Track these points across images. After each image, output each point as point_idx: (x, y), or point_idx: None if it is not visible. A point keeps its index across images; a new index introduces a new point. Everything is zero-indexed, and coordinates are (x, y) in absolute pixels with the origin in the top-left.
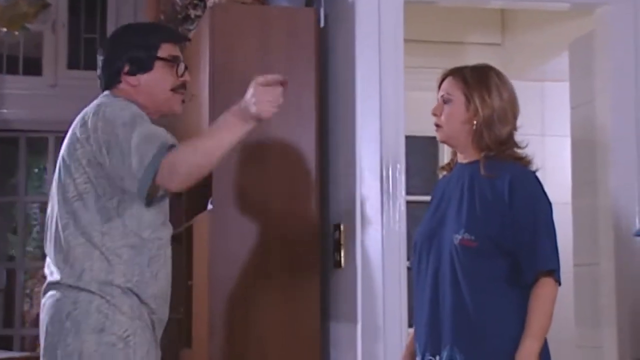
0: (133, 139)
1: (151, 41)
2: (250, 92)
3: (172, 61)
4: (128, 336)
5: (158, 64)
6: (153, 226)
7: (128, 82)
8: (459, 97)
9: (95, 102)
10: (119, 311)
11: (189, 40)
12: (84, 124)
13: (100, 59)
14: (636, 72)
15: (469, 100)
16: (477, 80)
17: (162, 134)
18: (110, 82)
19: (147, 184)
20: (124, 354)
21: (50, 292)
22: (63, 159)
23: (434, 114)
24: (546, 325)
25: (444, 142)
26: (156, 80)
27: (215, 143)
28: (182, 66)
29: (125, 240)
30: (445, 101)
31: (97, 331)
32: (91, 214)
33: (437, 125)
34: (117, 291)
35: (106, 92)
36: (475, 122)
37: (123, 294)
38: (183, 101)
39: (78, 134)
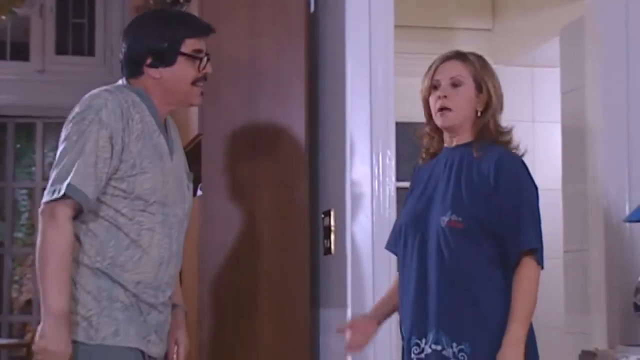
0: (73, 148)
1: (175, 35)
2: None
3: (195, 56)
4: (91, 316)
5: (180, 59)
6: (131, 212)
7: (150, 75)
8: (470, 82)
9: (104, 87)
10: (85, 290)
11: (214, 31)
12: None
13: (122, 46)
14: (627, 57)
15: (480, 86)
16: (485, 68)
17: (91, 171)
18: (131, 71)
19: (52, 197)
20: (85, 332)
21: None
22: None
23: (444, 96)
24: (531, 309)
25: (450, 126)
26: (177, 75)
27: (50, 275)
28: (204, 60)
29: (99, 223)
30: (456, 84)
31: None
32: None
33: (445, 108)
34: (86, 271)
35: (123, 81)
36: (481, 108)
37: (91, 274)
38: (202, 93)
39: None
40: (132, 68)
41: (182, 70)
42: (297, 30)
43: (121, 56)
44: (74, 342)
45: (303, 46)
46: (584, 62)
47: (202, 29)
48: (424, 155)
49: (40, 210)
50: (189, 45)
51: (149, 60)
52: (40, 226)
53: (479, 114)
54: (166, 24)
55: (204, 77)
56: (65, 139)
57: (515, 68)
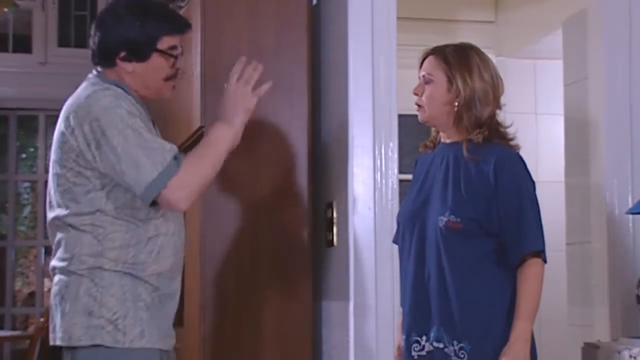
0: (131, 148)
1: (153, 32)
2: (228, 97)
3: (170, 53)
4: (117, 319)
5: (155, 55)
6: (148, 209)
7: (123, 68)
8: (440, 78)
9: (81, 91)
10: (108, 293)
11: (190, 27)
12: (67, 117)
13: (95, 34)
14: (630, 49)
15: (450, 81)
16: (459, 61)
17: (160, 146)
18: (103, 62)
19: (150, 199)
20: (112, 337)
21: (54, 277)
22: (55, 148)
23: (415, 94)
24: (536, 305)
25: (425, 122)
26: (150, 71)
27: (217, 154)
28: (179, 57)
29: (117, 226)
30: (427, 81)
31: (85, 314)
32: (82, 205)
33: (418, 105)
34: (107, 273)
35: (96, 74)
36: (456, 103)
37: (113, 275)
38: (174, 87)
39: (63, 127)
40: (105, 59)
41: (154, 67)
42: (299, 22)
43: (93, 44)
44: (100, 347)
45: (305, 38)
46: (587, 54)
47: (180, 27)
48: (427, 142)
49: (166, 201)
50: (165, 42)
51: (122, 54)
52: (181, 206)
53: (455, 108)
54: (145, 19)
55: (177, 73)
56: (113, 146)
57: (518, 60)
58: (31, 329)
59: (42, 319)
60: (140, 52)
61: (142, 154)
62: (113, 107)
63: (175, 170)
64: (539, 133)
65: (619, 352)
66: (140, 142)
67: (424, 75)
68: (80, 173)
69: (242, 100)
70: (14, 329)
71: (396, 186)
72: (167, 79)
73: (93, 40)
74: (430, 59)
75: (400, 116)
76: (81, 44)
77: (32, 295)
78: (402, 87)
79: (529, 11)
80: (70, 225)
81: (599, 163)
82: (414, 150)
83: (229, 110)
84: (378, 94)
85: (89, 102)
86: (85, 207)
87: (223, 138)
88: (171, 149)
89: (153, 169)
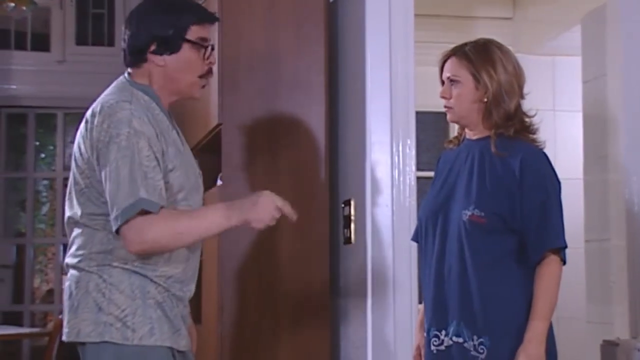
0: (122, 169)
1: (180, 21)
2: (255, 199)
3: (200, 44)
4: (126, 316)
5: (185, 46)
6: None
7: (154, 62)
8: (466, 77)
9: (107, 96)
10: (117, 290)
11: (219, 19)
12: (86, 120)
13: (125, 33)
14: None
15: (476, 78)
16: (481, 57)
17: (146, 181)
18: (135, 59)
19: (119, 223)
20: (121, 334)
21: (67, 274)
22: (75, 147)
23: (443, 97)
24: (553, 305)
25: (454, 122)
26: (183, 64)
27: (197, 228)
28: (209, 49)
29: None
30: (453, 82)
31: (94, 311)
32: (95, 207)
33: (447, 107)
34: (115, 271)
35: (126, 78)
36: (485, 99)
37: (123, 273)
38: (203, 86)
39: (82, 129)
40: (136, 56)
41: (186, 60)
42: (316, 19)
43: (124, 44)
44: (109, 343)
45: (322, 35)
46: (606, 51)
47: (207, 16)
48: (451, 139)
49: (122, 236)
50: (194, 32)
51: (152, 47)
52: (131, 249)
53: (484, 104)
54: (171, 11)
55: (210, 71)
56: (109, 161)
57: (537, 57)
58: (50, 326)
59: (60, 316)
60: (170, 43)
61: (128, 178)
62: (125, 122)
63: (147, 208)
64: (558, 130)
65: (639, 350)
66: (132, 168)
67: (448, 77)
68: (90, 177)
69: (262, 211)
70: (32, 326)
71: (414, 183)
72: (201, 75)
73: (123, 40)
74: (452, 60)
75: (417, 113)
76: (99, 42)
77: (50, 292)
78: (419, 84)
79: (547, 7)
80: (84, 224)
81: (618, 160)
82: (432, 147)
83: (244, 209)
84: (395, 91)
85: (109, 111)
86: (98, 209)
87: (213, 225)
88: (152, 193)
89: (129, 197)
